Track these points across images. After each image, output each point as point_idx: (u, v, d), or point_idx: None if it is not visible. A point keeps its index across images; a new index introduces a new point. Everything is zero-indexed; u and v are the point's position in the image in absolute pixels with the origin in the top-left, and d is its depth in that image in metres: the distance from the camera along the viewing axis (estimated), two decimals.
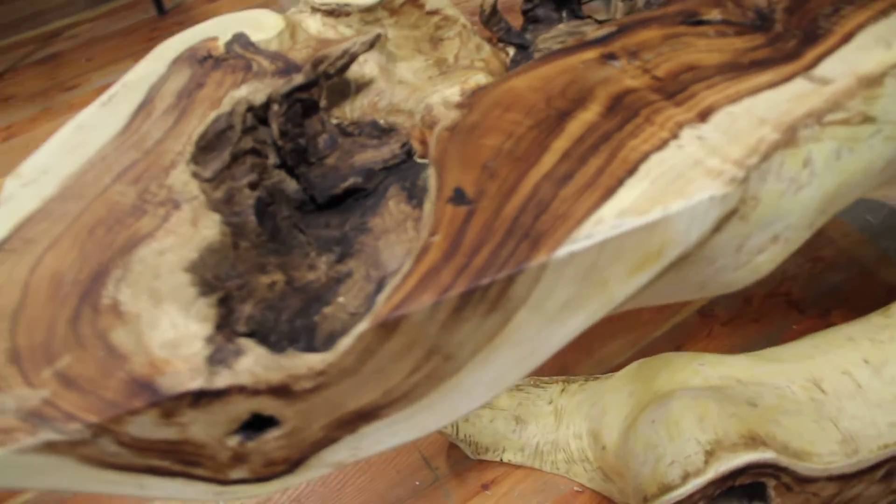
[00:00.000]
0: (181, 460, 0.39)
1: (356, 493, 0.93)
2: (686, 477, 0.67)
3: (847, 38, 0.49)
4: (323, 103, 0.54)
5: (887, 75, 0.47)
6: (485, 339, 0.40)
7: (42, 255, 0.43)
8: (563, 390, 0.93)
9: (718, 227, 0.42)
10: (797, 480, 0.72)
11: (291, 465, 0.42)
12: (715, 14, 0.52)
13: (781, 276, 1.10)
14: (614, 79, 0.47)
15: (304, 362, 0.37)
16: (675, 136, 0.43)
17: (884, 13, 0.51)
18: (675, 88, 0.46)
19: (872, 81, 0.46)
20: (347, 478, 0.94)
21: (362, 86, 0.58)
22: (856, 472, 0.77)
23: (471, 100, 0.47)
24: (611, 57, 0.49)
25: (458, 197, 0.41)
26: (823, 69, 0.47)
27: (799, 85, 0.46)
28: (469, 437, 0.91)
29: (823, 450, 0.74)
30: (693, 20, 0.51)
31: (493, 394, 0.43)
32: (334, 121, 0.57)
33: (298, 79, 0.52)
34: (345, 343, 0.37)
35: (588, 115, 0.44)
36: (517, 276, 0.38)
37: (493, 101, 0.47)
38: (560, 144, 0.43)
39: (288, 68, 0.53)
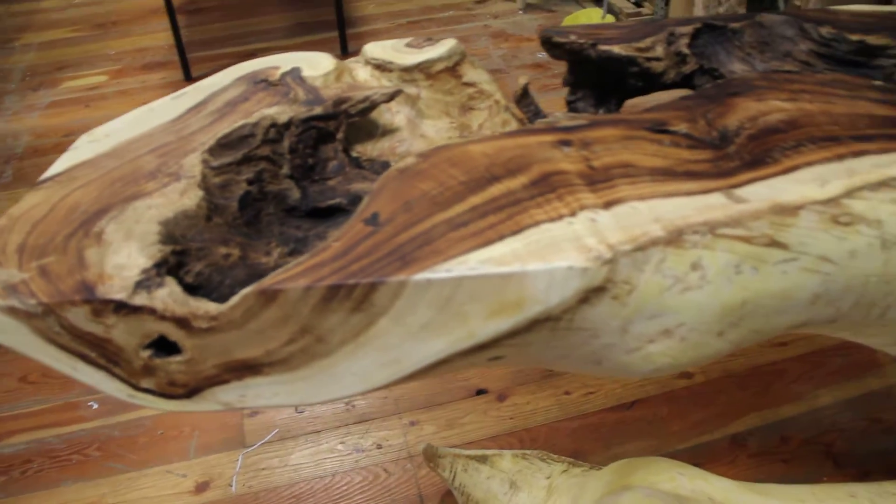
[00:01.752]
0: (104, 356, 0.48)
1: None
2: None
3: (789, 170, 0.53)
4: (340, 136, 0.63)
5: (805, 209, 0.50)
6: (352, 334, 0.47)
7: (74, 189, 0.55)
8: (564, 471, 0.96)
9: (586, 300, 0.47)
10: None
11: (189, 391, 0.50)
12: (682, 127, 0.57)
13: (830, 425, 1.07)
14: (555, 160, 0.53)
15: (203, 306, 0.46)
16: (573, 213, 0.49)
17: (838, 158, 0.54)
18: (600, 178, 0.52)
19: (786, 210, 0.50)
20: (349, 492, 1.01)
21: (388, 131, 0.68)
22: None
23: (431, 152, 0.55)
24: (566, 143, 0.55)
25: (372, 219, 0.49)
26: (746, 190, 0.51)
27: (714, 198, 0.50)
28: (463, 486, 0.96)
29: None
30: (658, 129, 0.57)
31: (363, 387, 0.49)
32: (354, 154, 0.66)
33: (318, 110, 0.62)
34: (233, 300, 0.46)
35: (513, 184, 0.51)
36: (379, 286, 0.45)
37: (447, 157, 0.54)
38: (475, 200, 0.50)
39: (316, 100, 0.63)
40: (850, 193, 0.52)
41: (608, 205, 0.50)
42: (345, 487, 1.02)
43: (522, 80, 0.70)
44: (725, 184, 0.52)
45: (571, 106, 0.75)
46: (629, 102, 0.74)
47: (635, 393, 1.13)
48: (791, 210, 0.50)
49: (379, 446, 1.07)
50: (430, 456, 0.95)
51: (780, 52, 0.73)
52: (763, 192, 0.51)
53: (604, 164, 0.53)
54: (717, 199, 0.51)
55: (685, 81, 0.72)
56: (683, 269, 0.49)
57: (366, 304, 0.46)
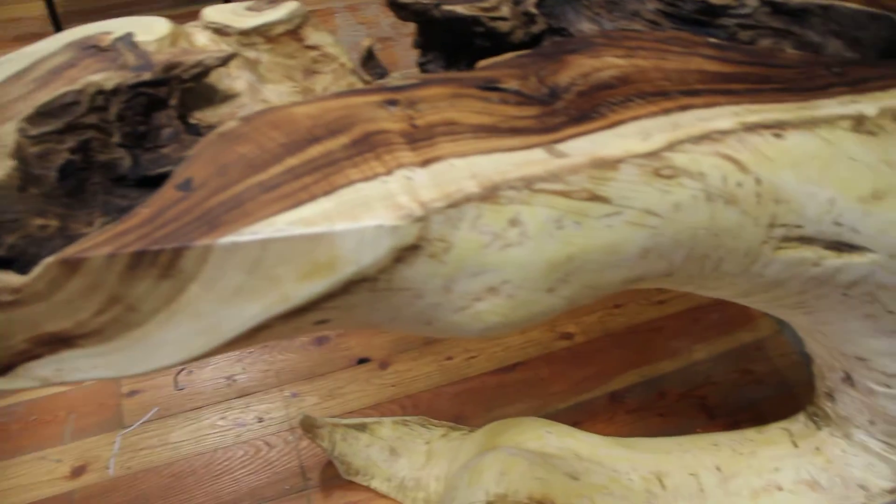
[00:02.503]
0: None
1: (231, 482, 0.99)
2: None
3: (614, 124, 0.53)
4: (173, 102, 0.61)
5: (625, 163, 0.51)
6: (163, 302, 0.45)
7: None
8: (443, 435, 0.97)
9: (401, 259, 0.47)
10: None
11: (2, 368, 0.48)
12: (513, 84, 0.57)
13: (705, 379, 1.10)
14: (378, 120, 0.52)
15: (4, 279, 0.44)
16: (389, 172, 0.48)
17: (665, 112, 0.55)
18: (422, 136, 0.51)
19: (606, 164, 0.50)
20: (231, 467, 1.00)
21: (228, 97, 0.66)
22: None
23: (254, 116, 0.53)
24: (392, 103, 0.54)
25: (184, 185, 0.48)
26: (568, 146, 0.51)
27: (535, 154, 0.50)
28: (343, 456, 0.95)
29: None
30: (488, 86, 0.56)
31: (183, 356, 0.48)
32: (193, 121, 0.64)
33: (146, 76, 0.59)
34: (35, 271, 0.44)
35: (333, 144, 0.50)
36: (184, 250, 0.44)
37: (269, 119, 0.53)
38: (292, 161, 0.49)
39: (146, 66, 0.61)
40: (671, 147, 0.52)
41: (426, 163, 0.49)
42: (226, 463, 1.01)
43: (366, 43, 0.69)
44: (548, 139, 0.52)
45: (423, 68, 0.74)
46: (481, 64, 0.74)
47: (516, 355, 1.14)
48: (611, 164, 0.51)
49: (260, 420, 1.06)
50: (308, 427, 0.94)
51: (628, 11, 0.73)
52: (585, 146, 0.51)
53: (427, 123, 0.52)
54: (537, 154, 0.50)
55: (535, 42, 0.72)
56: (501, 225, 0.49)
57: (173, 270, 0.44)
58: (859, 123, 0.58)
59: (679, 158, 0.52)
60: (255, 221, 0.45)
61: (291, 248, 0.45)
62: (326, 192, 0.46)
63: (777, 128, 0.56)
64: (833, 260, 0.61)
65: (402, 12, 0.71)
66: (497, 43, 0.71)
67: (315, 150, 0.50)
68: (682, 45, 0.63)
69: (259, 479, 1.00)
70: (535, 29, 0.72)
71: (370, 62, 0.70)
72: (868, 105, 0.58)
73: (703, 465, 0.84)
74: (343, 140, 0.50)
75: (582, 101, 0.56)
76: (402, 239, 0.46)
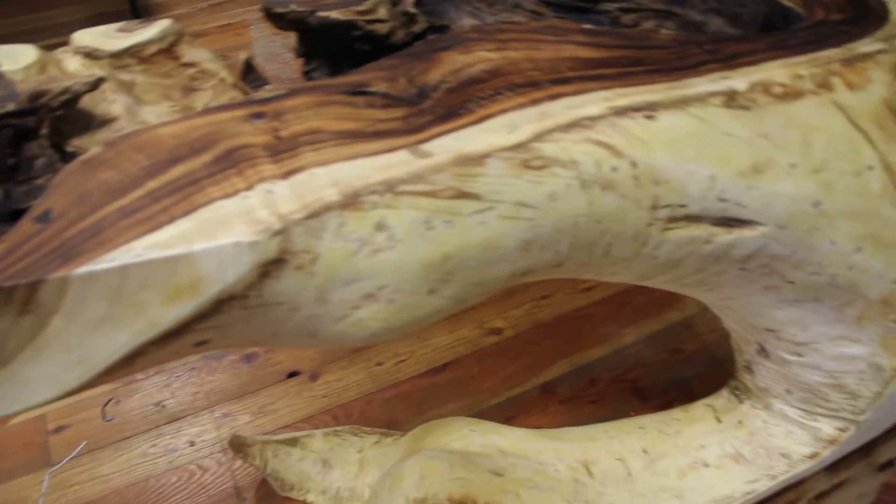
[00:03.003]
0: None
1: None
2: None
3: (482, 119, 0.53)
4: (44, 131, 0.60)
5: (492, 157, 0.50)
6: (26, 338, 0.44)
7: None
8: (376, 443, 0.96)
9: (266, 274, 0.46)
10: None
11: None
12: (381, 87, 0.56)
13: (635, 361, 1.11)
14: (243, 134, 0.51)
15: None
16: (249, 187, 0.47)
17: (534, 102, 0.55)
18: (285, 148, 0.50)
19: (471, 161, 0.50)
20: (164, 494, 0.98)
21: (106, 122, 0.64)
22: None
23: (117, 140, 0.52)
24: (258, 116, 0.53)
25: (43, 216, 0.46)
26: (433, 145, 0.51)
27: (398, 156, 0.50)
28: (276, 472, 0.94)
29: None
30: (355, 91, 0.55)
31: (56, 391, 0.47)
32: (70, 148, 0.62)
33: (10, 106, 0.58)
34: None
35: (195, 163, 0.49)
36: (40, 284, 0.42)
37: (133, 142, 0.52)
38: (153, 184, 0.48)
39: (9, 96, 0.59)
40: (539, 137, 0.52)
41: (288, 174, 0.48)
42: (159, 490, 0.99)
43: (243, 56, 0.68)
44: (413, 140, 0.51)
45: (308, 76, 0.74)
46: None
47: (446, 355, 1.14)
48: (477, 159, 0.50)
49: (192, 443, 1.05)
50: (238, 446, 0.93)
51: (510, 3, 0.74)
52: (450, 144, 0.51)
53: (292, 133, 0.52)
54: (401, 156, 0.50)
55: (417, 41, 0.72)
56: (367, 231, 0.48)
57: (31, 304, 0.43)
58: (731, 99, 0.58)
59: (548, 148, 0.52)
60: (114, 248, 0.44)
61: (151, 272, 0.44)
62: (186, 213, 0.46)
63: (648, 109, 0.56)
64: (724, 236, 0.61)
65: (280, 22, 0.71)
66: (378, 45, 0.71)
67: (177, 171, 0.49)
68: (555, 33, 0.63)
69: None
70: (417, 28, 0.72)
71: (251, 75, 0.69)
72: (739, 80, 0.59)
73: (630, 449, 0.84)
74: (206, 158, 0.50)
75: (450, 99, 0.55)
76: (264, 254, 0.45)
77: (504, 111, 0.54)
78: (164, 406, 1.09)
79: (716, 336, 1.13)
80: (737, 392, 0.85)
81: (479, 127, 0.52)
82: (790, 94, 0.60)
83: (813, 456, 0.80)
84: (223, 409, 1.09)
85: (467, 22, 0.72)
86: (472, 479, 0.74)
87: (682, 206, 0.58)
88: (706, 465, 0.82)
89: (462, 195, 0.50)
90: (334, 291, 0.49)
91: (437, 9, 0.72)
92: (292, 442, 0.96)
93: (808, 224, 0.63)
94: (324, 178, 0.48)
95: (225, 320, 0.48)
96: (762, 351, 0.79)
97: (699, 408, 0.88)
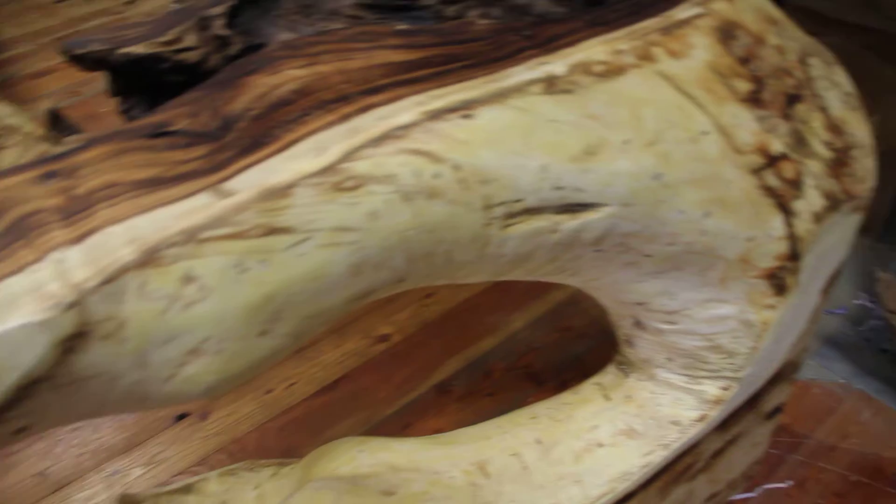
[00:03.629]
0: None
1: None
2: None
3: (288, 145, 0.50)
4: None
5: (299, 186, 0.47)
6: None
7: None
8: (273, 475, 0.93)
9: (70, 349, 0.42)
10: None
11: None
12: (183, 124, 0.53)
13: (527, 347, 1.10)
14: (33, 199, 0.47)
15: None
16: (39, 259, 0.43)
17: (343, 119, 0.52)
18: (79, 208, 0.46)
19: (276, 193, 0.47)
20: None
21: None
22: None
23: None
24: (50, 175, 0.49)
25: None
26: (236, 182, 0.48)
27: (199, 199, 0.46)
28: None
29: None
30: (156, 132, 0.52)
31: None
32: None
33: None
34: None
35: None
36: None
37: None
38: None
39: None
40: (349, 156, 0.50)
41: (81, 238, 0.45)
42: None
43: (44, 106, 0.64)
44: (215, 179, 0.48)
45: (128, 115, 0.69)
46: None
47: (337, 371, 1.11)
48: (282, 191, 0.47)
49: None
50: None
51: (326, 11, 0.70)
52: (254, 178, 0.48)
53: (87, 190, 0.48)
54: (202, 199, 0.47)
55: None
56: (173, 286, 0.45)
57: None
58: (551, 85, 0.56)
59: (360, 166, 0.50)
60: None
61: None
62: None
63: (465, 108, 0.54)
64: (570, 222, 0.60)
65: (82, 64, 0.66)
66: (191, 75, 0.67)
67: None
68: (368, 39, 0.61)
69: None
70: (233, 51, 0.68)
71: (59, 125, 0.65)
72: (558, 64, 0.57)
73: (524, 441, 0.83)
74: None
75: (256, 127, 0.52)
76: (60, 330, 0.42)
77: (312, 133, 0.51)
78: (47, 475, 1.04)
79: (601, 310, 1.12)
80: (622, 366, 0.85)
81: (284, 154, 0.50)
82: (612, 71, 0.59)
83: (702, 418, 0.80)
84: (112, 466, 1.03)
85: (284, 37, 0.69)
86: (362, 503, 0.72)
87: (518, 200, 0.56)
88: (600, 445, 0.81)
89: (273, 231, 0.47)
90: (153, 353, 0.46)
91: (251, 27, 0.69)
92: (186, 489, 0.92)
93: (653, 197, 0.62)
94: (120, 237, 0.44)
95: (37, 404, 0.45)
96: (638, 324, 0.79)
97: (588, 388, 0.87)
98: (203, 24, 0.67)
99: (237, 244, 0.46)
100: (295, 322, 0.52)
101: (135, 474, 1.02)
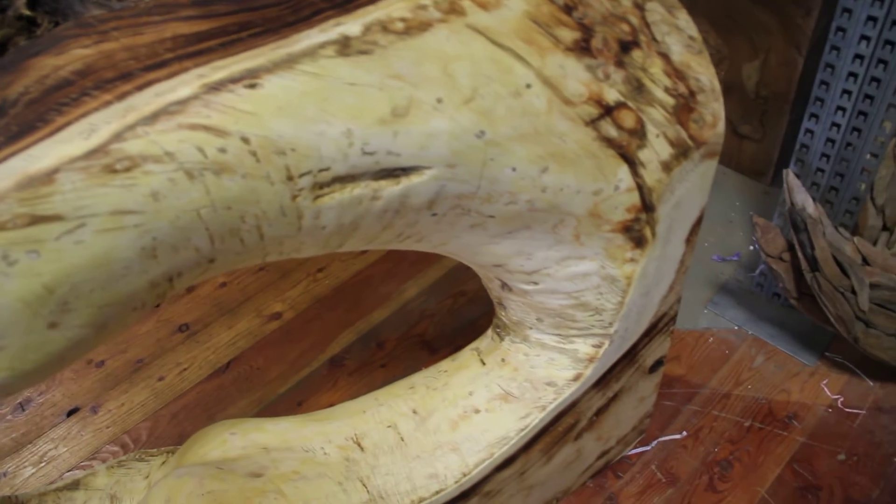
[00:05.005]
0: None
1: None
2: None
3: (57, 129, 0.48)
4: None
5: (63, 171, 0.45)
6: None
7: None
8: (163, 462, 0.91)
9: None
10: None
11: None
12: None
13: (420, 315, 1.08)
14: None
15: None
16: None
17: (120, 97, 0.49)
18: None
19: (38, 181, 0.45)
20: None
21: None
22: None
23: None
24: None
25: None
26: None
27: None
28: None
29: None
30: None
31: None
32: None
33: None
34: None
35: None
36: None
37: None
38: None
39: None
40: (119, 136, 0.47)
41: None
42: None
43: None
44: None
45: None
46: None
47: (228, 353, 1.09)
48: (44, 178, 0.45)
49: None
50: None
51: None
52: (16, 166, 0.46)
53: None
54: None
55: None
56: None
57: None
58: (345, 46, 0.54)
59: (133, 146, 0.47)
60: None
61: None
62: None
63: (249, 78, 0.51)
64: (392, 188, 0.58)
65: None
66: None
67: None
68: (162, 12, 0.58)
69: None
70: (41, 31, 0.65)
71: None
72: (352, 24, 0.55)
73: (400, 412, 0.82)
74: None
75: (29, 112, 0.50)
76: None
77: (85, 114, 0.49)
78: None
79: None
80: (497, 329, 0.84)
81: (53, 139, 0.47)
82: (416, 28, 0.57)
83: (577, 378, 0.79)
84: (1, 468, 1.01)
85: (98, 13, 0.66)
86: (226, 488, 0.70)
87: (324, 169, 0.54)
88: (477, 412, 0.81)
89: (38, 220, 0.45)
90: None
91: (60, 5, 0.66)
92: (73, 486, 0.90)
93: (480, 156, 0.60)
94: None
95: None
96: (504, 286, 0.78)
97: (466, 354, 0.86)
98: (4, 5, 0.64)
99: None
100: (90, 312, 0.50)
101: (25, 474, 1.00)
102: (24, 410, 1.07)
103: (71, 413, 1.06)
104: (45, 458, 1.02)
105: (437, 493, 0.77)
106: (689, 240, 0.77)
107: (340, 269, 1.18)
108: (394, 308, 1.11)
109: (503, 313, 0.82)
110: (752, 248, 1.21)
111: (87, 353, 0.54)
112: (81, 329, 0.50)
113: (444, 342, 1.03)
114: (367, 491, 0.76)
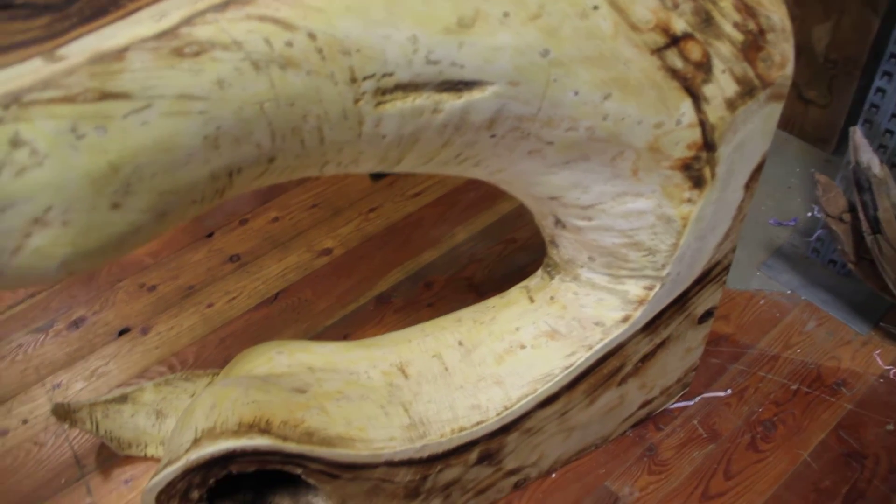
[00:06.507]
0: None
1: (2, 494, 0.93)
2: (167, 465, 0.66)
3: (130, 13, 0.48)
4: None
5: (133, 49, 0.46)
6: None
7: None
8: (209, 383, 0.93)
9: None
10: (337, 467, 0.71)
11: None
12: None
13: (469, 258, 1.08)
14: None
15: None
16: None
17: None
18: None
19: (109, 57, 0.45)
20: (1, 479, 0.94)
21: None
22: (428, 456, 0.76)
23: None
24: None
25: None
26: (70, 48, 0.46)
27: (30, 65, 0.45)
28: (110, 433, 0.91)
29: (377, 435, 0.73)
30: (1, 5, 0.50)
31: None
32: None
33: None
34: None
35: None
36: None
37: None
38: None
39: None
40: (190, 21, 0.48)
41: None
42: None
43: None
44: (50, 46, 0.46)
45: None
46: None
47: (277, 284, 1.10)
48: (115, 54, 0.46)
49: (25, 421, 1.00)
50: (63, 414, 0.89)
51: None
52: (89, 44, 0.46)
53: None
54: (33, 64, 0.45)
55: None
56: (2, 149, 0.43)
57: None
58: None
59: (202, 32, 0.48)
60: None
61: None
62: None
63: None
64: (453, 102, 0.58)
65: None
66: None
67: None
68: None
69: (33, 482, 0.94)
70: None
71: None
72: None
73: (446, 344, 0.82)
74: None
75: None
76: None
77: (157, 0, 0.49)
78: None
79: None
80: (548, 269, 0.84)
81: (125, 21, 0.48)
82: None
83: (625, 319, 0.79)
84: (55, 380, 1.04)
85: None
86: (270, 400, 0.71)
87: (388, 74, 0.55)
88: (522, 347, 0.81)
89: (107, 96, 0.45)
90: None
91: None
92: (122, 399, 0.92)
93: (543, 76, 0.60)
94: None
95: None
96: (558, 222, 0.77)
97: (514, 291, 0.86)
98: None
99: (68, 108, 0.45)
100: (151, 197, 0.51)
101: (76, 387, 1.02)
102: (77, 328, 1.10)
103: (122, 333, 1.08)
104: (96, 374, 1.04)
105: (478, 423, 0.77)
106: (749, 186, 0.76)
107: (392, 211, 1.19)
108: (443, 250, 1.11)
109: (555, 252, 0.82)
110: (809, 214, 1.19)
111: (145, 242, 0.55)
112: (142, 214, 0.51)
113: (491, 287, 1.03)
114: (409, 416, 0.76)
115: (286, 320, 1.06)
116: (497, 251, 1.10)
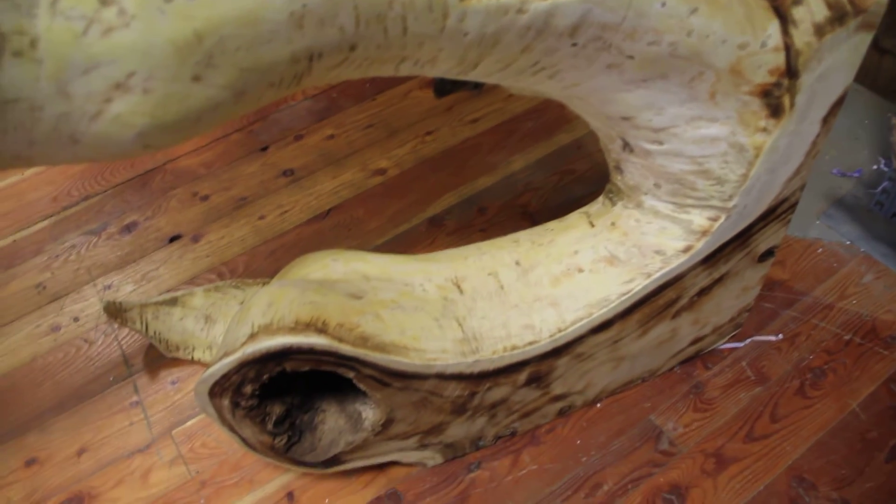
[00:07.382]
0: None
1: (53, 387, 0.94)
2: (224, 357, 0.66)
3: None
4: None
5: None
6: None
7: None
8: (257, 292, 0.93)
9: None
10: (389, 374, 0.71)
11: None
12: None
13: (525, 187, 1.07)
14: None
15: None
16: None
17: None
18: None
19: None
20: (52, 372, 0.96)
21: None
22: (479, 372, 0.76)
23: None
24: None
25: None
26: None
27: None
28: (159, 334, 0.91)
29: (430, 346, 0.73)
30: None
31: None
32: None
33: None
34: None
35: None
36: None
37: None
38: None
39: None
40: None
41: None
42: (46, 369, 0.96)
43: None
44: None
45: None
46: None
47: (330, 201, 1.10)
48: None
49: (76, 319, 1.01)
50: (114, 312, 0.90)
51: None
52: None
53: None
54: None
55: None
56: (90, 6, 0.43)
57: None
58: None
59: None
60: None
61: None
62: None
63: None
64: (539, 3, 0.57)
65: None
66: None
67: None
68: None
69: (83, 377, 0.95)
70: None
71: None
72: None
73: (502, 263, 0.81)
74: None
75: None
76: None
77: None
78: (44, 287, 1.05)
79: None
80: (610, 195, 0.82)
81: None
82: None
83: (687, 249, 0.77)
84: (106, 281, 1.05)
85: None
86: (326, 302, 0.71)
87: None
88: (580, 271, 0.80)
89: None
90: (74, 82, 0.44)
91: None
92: (172, 302, 0.93)
93: None
94: None
95: None
96: (626, 146, 0.76)
97: (574, 216, 0.85)
98: None
99: None
100: (232, 73, 0.50)
101: (126, 289, 1.03)
102: (130, 232, 1.10)
103: (173, 239, 1.09)
104: (146, 278, 1.05)
105: (531, 343, 0.77)
106: (827, 121, 0.74)
107: (449, 135, 1.17)
108: (499, 177, 1.10)
109: (619, 178, 0.80)
110: (875, 167, 1.16)
111: (221, 122, 0.54)
112: (222, 90, 0.50)
113: (546, 216, 1.02)
114: (462, 331, 0.76)
115: (337, 236, 1.06)
116: (553, 181, 1.08)
